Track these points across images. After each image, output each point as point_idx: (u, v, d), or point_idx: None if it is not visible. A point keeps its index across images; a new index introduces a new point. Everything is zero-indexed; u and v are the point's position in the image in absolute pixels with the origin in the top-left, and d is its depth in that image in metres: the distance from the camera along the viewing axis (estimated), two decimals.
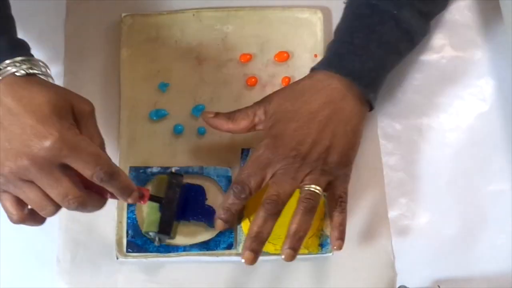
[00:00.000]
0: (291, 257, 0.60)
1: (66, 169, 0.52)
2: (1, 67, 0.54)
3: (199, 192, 0.68)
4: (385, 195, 0.70)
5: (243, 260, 0.60)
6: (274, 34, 0.74)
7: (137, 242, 0.66)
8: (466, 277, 0.69)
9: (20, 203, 0.55)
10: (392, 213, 0.70)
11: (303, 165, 0.62)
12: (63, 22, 0.74)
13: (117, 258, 0.66)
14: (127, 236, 0.66)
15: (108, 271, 0.66)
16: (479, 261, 0.69)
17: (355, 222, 0.69)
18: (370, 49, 0.65)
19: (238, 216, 0.67)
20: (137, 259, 0.66)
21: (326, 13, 0.75)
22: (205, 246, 0.66)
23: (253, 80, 0.72)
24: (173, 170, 0.67)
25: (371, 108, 0.67)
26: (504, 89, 0.74)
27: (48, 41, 0.73)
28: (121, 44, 0.73)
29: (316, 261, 0.68)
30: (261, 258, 0.66)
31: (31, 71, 0.54)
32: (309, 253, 0.67)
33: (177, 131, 0.70)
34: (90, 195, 0.55)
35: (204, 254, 0.66)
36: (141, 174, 0.68)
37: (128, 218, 0.67)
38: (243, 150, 0.70)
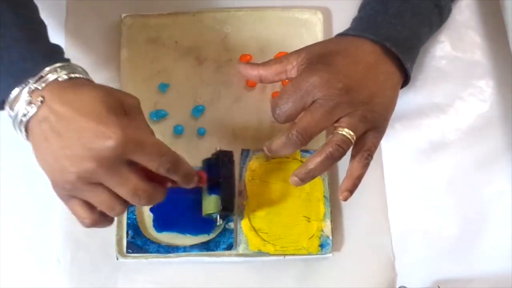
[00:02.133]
0: (296, 184, 0.60)
1: (131, 165, 0.51)
2: (43, 74, 0.52)
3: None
4: (385, 195, 0.70)
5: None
6: (274, 35, 0.74)
7: (137, 242, 0.66)
8: (466, 277, 0.69)
9: (90, 206, 0.54)
10: (392, 213, 0.70)
11: (344, 102, 0.59)
12: (63, 22, 0.74)
13: (117, 259, 0.66)
14: (127, 237, 0.66)
15: (108, 271, 0.67)
16: (479, 261, 0.69)
17: (355, 222, 0.69)
18: (405, 19, 0.64)
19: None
20: (137, 260, 0.66)
21: (326, 13, 0.75)
22: (205, 247, 0.66)
23: None
24: (218, 148, 0.66)
25: (405, 81, 0.65)
26: (504, 90, 0.74)
27: None
28: (121, 44, 0.73)
29: (316, 262, 0.68)
30: (261, 258, 0.67)
31: (72, 75, 0.53)
32: (308, 254, 0.67)
33: (177, 132, 0.70)
34: (156, 188, 0.54)
35: (204, 255, 0.66)
36: None
37: (128, 218, 0.67)
38: (243, 150, 0.70)
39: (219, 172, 0.64)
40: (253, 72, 0.64)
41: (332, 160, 0.59)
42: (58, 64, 0.53)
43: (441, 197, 0.71)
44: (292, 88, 0.60)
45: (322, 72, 0.59)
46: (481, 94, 0.74)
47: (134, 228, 0.66)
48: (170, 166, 0.52)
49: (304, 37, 0.74)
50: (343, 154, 0.59)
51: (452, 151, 0.72)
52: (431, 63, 0.75)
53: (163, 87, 0.72)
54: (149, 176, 0.53)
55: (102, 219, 0.55)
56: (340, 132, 0.59)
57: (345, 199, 0.61)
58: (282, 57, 0.63)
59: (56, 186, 0.53)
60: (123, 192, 0.52)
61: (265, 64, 0.64)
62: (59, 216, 0.67)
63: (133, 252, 0.66)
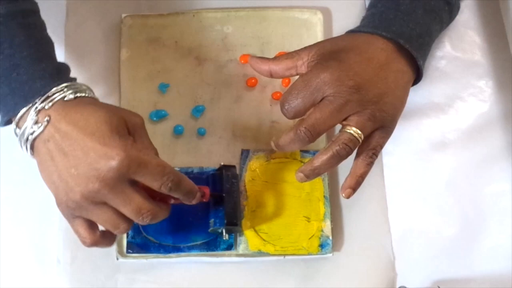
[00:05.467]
0: (301, 180, 0.60)
1: (134, 184, 0.53)
2: (50, 94, 0.53)
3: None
4: (385, 195, 0.70)
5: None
6: (274, 34, 0.74)
7: (137, 242, 0.66)
8: (466, 277, 0.68)
9: (92, 226, 0.56)
10: (392, 213, 0.70)
11: (354, 100, 0.58)
12: (63, 22, 0.74)
13: (117, 259, 0.66)
14: (127, 237, 0.66)
15: (108, 271, 0.67)
16: (479, 261, 0.69)
17: (355, 222, 0.69)
18: (417, 16, 0.64)
19: (238, 216, 0.68)
20: (137, 260, 0.66)
21: (326, 13, 0.75)
22: (205, 247, 0.66)
23: (253, 81, 0.72)
24: (222, 163, 0.67)
25: (417, 79, 0.65)
26: (504, 90, 0.74)
27: None
28: (121, 44, 0.73)
29: (316, 262, 0.68)
30: (261, 258, 0.66)
31: (78, 94, 0.54)
32: (308, 254, 0.67)
33: (177, 132, 0.70)
34: (159, 206, 0.55)
35: (204, 255, 0.66)
36: None
37: None
38: (243, 150, 0.70)
39: (222, 187, 0.64)
40: (264, 67, 0.64)
41: (338, 158, 0.59)
42: (64, 84, 0.54)
43: (441, 197, 0.71)
44: (302, 83, 0.59)
45: (333, 69, 0.59)
46: (481, 94, 0.74)
47: (134, 228, 0.66)
48: (172, 186, 0.53)
49: (304, 37, 0.74)
50: (349, 152, 0.59)
51: (452, 151, 0.72)
52: (431, 63, 0.75)
53: (163, 87, 0.72)
54: (152, 193, 0.54)
55: (102, 239, 0.57)
56: (348, 130, 0.59)
57: (348, 196, 0.61)
58: (293, 52, 0.63)
59: (61, 204, 0.54)
60: (127, 211, 0.53)
61: (275, 59, 0.64)
62: (59, 216, 0.66)
63: (133, 252, 0.66)
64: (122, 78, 0.72)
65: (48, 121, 0.53)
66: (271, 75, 0.64)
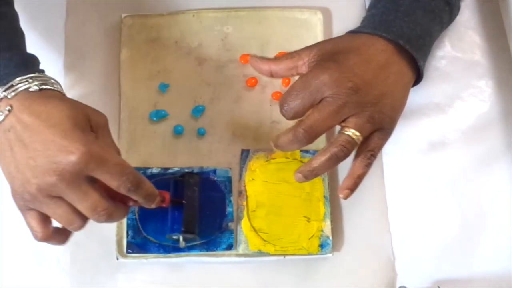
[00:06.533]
0: (299, 180, 0.60)
1: (92, 181, 0.52)
2: (13, 84, 0.53)
3: None
4: (385, 195, 0.70)
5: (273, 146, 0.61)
6: (274, 35, 0.74)
7: (137, 242, 0.66)
8: (466, 277, 0.68)
9: (45, 220, 0.55)
10: (392, 213, 0.70)
11: (353, 102, 0.58)
12: (63, 22, 0.74)
13: (117, 259, 0.66)
14: (127, 237, 0.66)
15: (108, 271, 0.67)
16: (479, 261, 0.69)
17: (355, 222, 0.69)
18: (417, 17, 0.64)
19: (237, 216, 0.67)
20: (137, 260, 0.66)
21: (326, 13, 0.75)
22: (205, 247, 0.66)
23: (253, 81, 0.72)
24: (186, 170, 0.67)
25: (417, 79, 0.65)
26: (504, 90, 0.74)
27: (48, 41, 0.73)
28: (121, 44, 0.73)
29: (316, 262, 0.68)
30: (261, 258, 0.67)
31: (44, 86, 0.54)
32: (309, 254, 0.67)
33: (177, 132, 0.70)
34: (116, 206, 0.54)
35: (204, 255, 0.66)
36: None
37: (128, 218, 0.66)
38: (243, 150, 0.70)
39: (184, 194, 0.64)
40: (264, 67, 0.64)
41: (336, 159, 0.59)
42: (30, 75, 0.54)
43: (441, 197, 0.71)
44: (301, 84, 0.59)
45: (333, 70, 0.59)
46: (481, 94, 0.74)
47: (134, 228, 0.66)
48: (131, 186, 0.53)
49: (304, 37, 0.74)
50: (347, 154, 0.59)
51: (452, 151, 0.72)
52: (431, 63, 0.75)
53: (163, 87, 0.72)
54: (112, 193, 0.53)
55: (55, 235, 0.56)
56: (346, 132, 0.59)
57: (346, 197, 0.61)
58: (293, 53, 0.63)
59: (16, 195, 0.54)
60: (82, 208, 0.52)
61: (276, 59, 0.64)
62: None
63: (133, 252, 0.66)
64: (122, 78, 0.72)
65: (9, 111, 0.52)
66: (272, 75, 0.64)
